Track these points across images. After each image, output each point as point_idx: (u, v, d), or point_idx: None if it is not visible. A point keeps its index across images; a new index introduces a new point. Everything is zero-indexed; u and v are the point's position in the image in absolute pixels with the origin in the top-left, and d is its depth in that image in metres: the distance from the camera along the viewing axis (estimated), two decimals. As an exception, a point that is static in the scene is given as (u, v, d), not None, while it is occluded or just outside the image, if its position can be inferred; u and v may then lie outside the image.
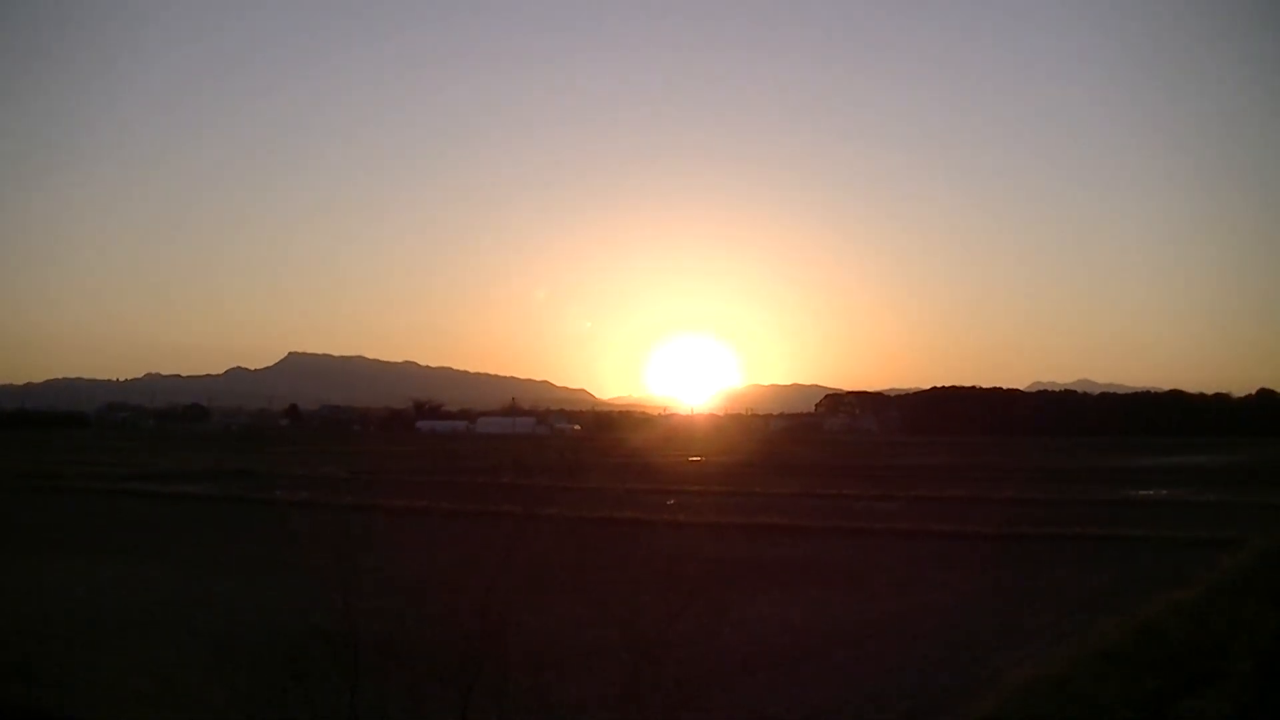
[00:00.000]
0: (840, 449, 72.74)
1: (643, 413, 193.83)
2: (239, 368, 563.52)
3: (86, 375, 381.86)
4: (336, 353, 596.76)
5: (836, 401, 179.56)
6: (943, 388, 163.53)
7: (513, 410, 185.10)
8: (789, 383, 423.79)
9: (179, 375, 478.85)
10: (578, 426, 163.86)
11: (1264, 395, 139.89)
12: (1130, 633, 8.60)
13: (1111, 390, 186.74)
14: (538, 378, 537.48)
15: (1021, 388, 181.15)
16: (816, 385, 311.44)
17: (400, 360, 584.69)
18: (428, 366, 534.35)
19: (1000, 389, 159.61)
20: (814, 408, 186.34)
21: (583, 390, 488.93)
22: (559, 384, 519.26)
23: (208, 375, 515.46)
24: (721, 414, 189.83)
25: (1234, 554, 13.23)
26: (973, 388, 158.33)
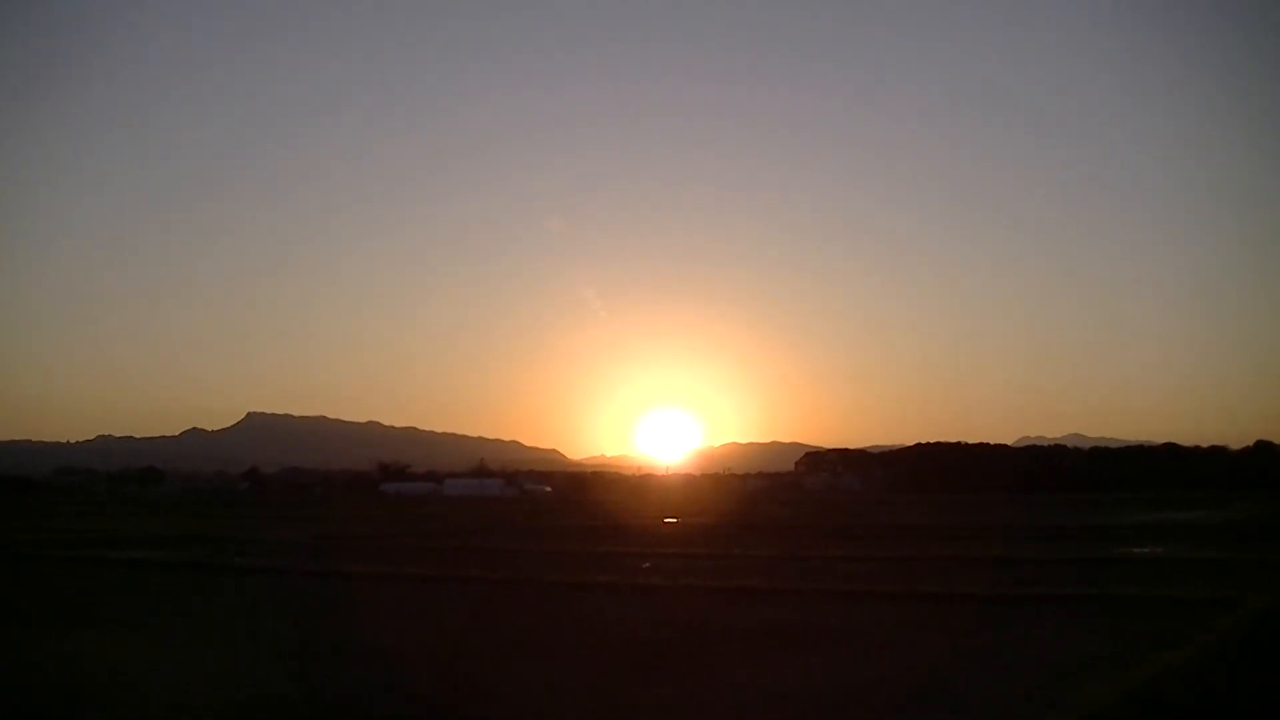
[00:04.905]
0: (821, 508, 72.00)
1: (616, 473, 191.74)
2: (196, 429, 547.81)
3: (35, 437, 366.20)
4: (298, 413, 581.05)
5: (817, 459, 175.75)
6: (927, 444, 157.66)
7: (481, 471, 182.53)
8: (767, 440, 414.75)
9: (133, 437, 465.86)
10: (549, 488, 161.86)
11: (1261, 447, 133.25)
12: (1121, 697, 8.36)
13: (1103, 444, 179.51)
14: (507, 437, 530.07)
15: (1009, 443, 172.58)
16: (796, 442, 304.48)
17: (364, 420, 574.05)
18: (392, 426, 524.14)
19: (987, 444, 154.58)
20: (794, 466, 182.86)
21: (554, 450, 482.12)
22: (529, 444, 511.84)
23: (163, 437, 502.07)
24: (697, 473, 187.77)
25: (1230, 614, 13.06)
26: (958, 444, 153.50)
